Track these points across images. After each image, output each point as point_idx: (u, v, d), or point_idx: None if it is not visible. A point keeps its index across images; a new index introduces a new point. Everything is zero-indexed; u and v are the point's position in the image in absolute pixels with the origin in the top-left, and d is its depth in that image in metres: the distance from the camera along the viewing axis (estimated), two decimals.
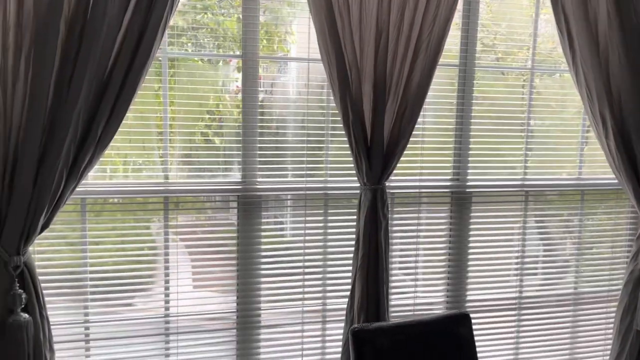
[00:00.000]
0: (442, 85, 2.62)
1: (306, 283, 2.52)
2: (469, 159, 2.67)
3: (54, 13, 1.87)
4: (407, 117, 2.29)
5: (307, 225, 2.50)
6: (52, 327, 2.09)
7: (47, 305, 2.07)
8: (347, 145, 2.32)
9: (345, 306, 2.44)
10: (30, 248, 2.00)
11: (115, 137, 2.04)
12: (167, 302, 2.37)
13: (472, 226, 2.72)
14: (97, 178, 2.29)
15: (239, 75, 2.38)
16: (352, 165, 2.35)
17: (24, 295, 1.96)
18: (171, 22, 2.08)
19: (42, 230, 1.99)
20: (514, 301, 2.83)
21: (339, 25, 2.18)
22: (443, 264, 2.71)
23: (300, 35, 2.45)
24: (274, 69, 2.49)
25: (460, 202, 2.68)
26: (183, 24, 2.31)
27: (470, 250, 2.73)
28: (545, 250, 2.90)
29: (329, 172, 2.51)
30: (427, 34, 2.26)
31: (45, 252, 2.23)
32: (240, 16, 2.33)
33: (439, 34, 2.27)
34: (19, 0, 1.86)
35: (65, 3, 1.89)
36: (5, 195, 1.91)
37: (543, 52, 2.76)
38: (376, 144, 2.28)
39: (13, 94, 1.89)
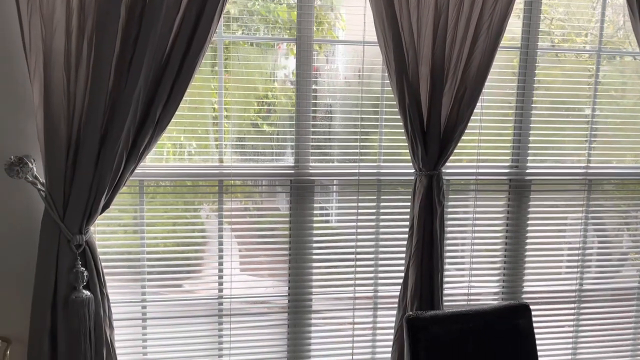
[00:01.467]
0: (501, 69, 2.52)
1: (358, 269, 2.50)
2: (529, 145, 2.57)
3: None
4: (466, 101, 2.21)
5: (360, 210, 2.47)
6: (111, 304, 2.15)
7: (107, 284, 2.13)
8: (401, 130, 2.28)
9: (397, 294, 2.41)
10: (92, 228, 2.06)
11: (171, 120, 2.06)
12: (220, 284, 2.40)
13: (530, 215, 2.62)
14: (154, 161, 2.33)
15: (289, 62, 2.36)
16: (406, 150, 2.30)
17: (85, 273, 2.02)
18: (224, 9, 2.08)
19: (103, 210, 2.05)
20: (573, 294, 2.72)
21: (396, 6, 2.12)
22: (499, 253, 2.63)
23: (349, 20, 2.40)
24: (323, 54, 2.45)
25: (518, 190, 2.58)
26: (235, 12, 2.30)
27: (528, 240, 2.63)
28: (607, 242, 2.77)
29: (382, 157, 2.47)
30: (488, 14, 2.17)
31: (105, 232, 2.29)
32: (291, 2, 2.30)
33: (501, 14, 2.18)
34: None
35: None
36: (69, 175, 1.97)
37: (604, 37, 2.60)
38: (433, 129, 2.21)
39: (76, 77, 1.94)
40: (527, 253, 2.64)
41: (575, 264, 2.71)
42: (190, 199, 2.38)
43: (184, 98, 2.06)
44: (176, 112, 2.06)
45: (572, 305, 2.73)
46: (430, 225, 2.25)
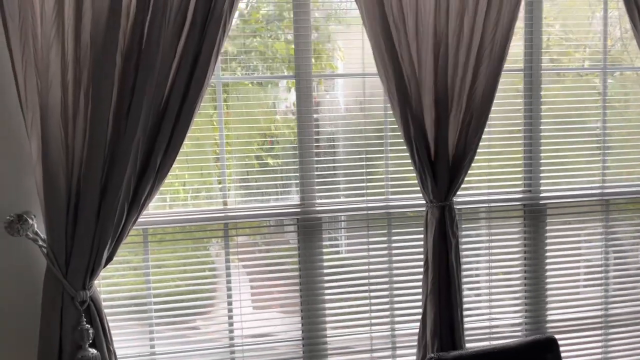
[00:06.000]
0: (506, 92, 2.47)
1: (373, 307, 2.40)
2: (541, 168, 2.49)
3: (110, 45, 1.88)
4: (473, 129, 2.16)
5: (370, 246, 2.39)
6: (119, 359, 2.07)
7: (114, 338, 2.06)
8: (408, 161, 2.22)
9: (415, 331, 2.31)
10: (95, 281, 2.00)
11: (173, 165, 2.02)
12: (231, 332, 2.32)
13: (548, 240, 2.53)
14: (157, 208, 2.28)
15: (289, 96, 2.33)
16: (415, 181, 2.24)
17: (91, 331, 1.95)
18: (222, 50, 2.06)
19: (106, 263, 1.99)
20: (599, 320, 2.60)
21: (394, 38, 2.09)
22: (519, 282, 2.53)
23: (347, 51, 2.37)
24: (323, 87, 2.41)
25: (533, 215, 2.50)
26: (233, 49, 2.29)
27: (548, 267, 2.53)
28: (631, 263, 2.66)
29: (390, 189, 2.40)
30: (489, 40, 2.13)
31: (110, 285, 2.23)
32: (289, 37, 2.28)
33: (503, 39, 2.14)
34: (76, 36, 1.87)
35: (120, 34, 1.89)
36: (70, 230, 1.92)
37: (600, 50, 2.55)
38: (441, 158, 2.15)
39: (74, 130, 1.90)
40: (548, 280, 2.54)
41: (599, 288, 2.60)
42: (195, 244, 2.31)
43: (185, 141, 2.02)
44: (178, 156, 2.02)
45: (599, 332, 2.61)
46: (445, 259, 2.16)
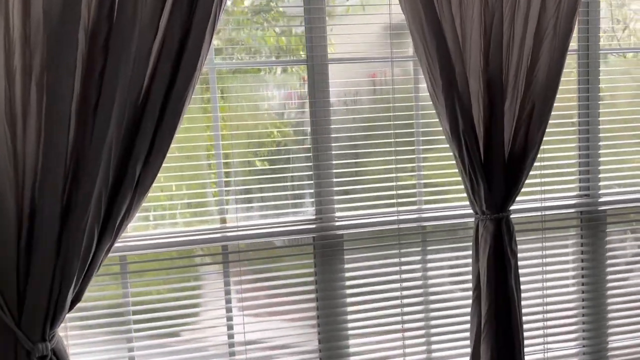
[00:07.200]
0: None
1: (407, 342, 1.99)
2: (600, 168, 2.10)
3: (69, 20, 1.43)
4: (536, 121, 1.75)
5: (403, 268, 1.97)
6: None
7: None
8: (445, 162, 1.86)
9: None
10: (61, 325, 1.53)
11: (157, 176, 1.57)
12: None
13: (609, 253, 2.14)
14: (138, 229, 1.82)
15: (301, 86, 1.91)
16: (453, 187, 1.88)
17: None
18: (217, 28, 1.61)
19: (72, 306, 1.53)
20: None
21: (436, 5, 1.67)
22: (575, 304, 2.13)
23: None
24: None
25: (592, 224, 2.10)
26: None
27: (609, 284, 2.14)
28: None
29: (423, 198, 1.99)
30: (554, 8, 1.71)
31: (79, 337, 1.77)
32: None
33: (570, 6, 1.73)
34: (25, 8, 1.42)
35: (83, 6, 1.43)
36: (23, 265, 1.46)
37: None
38: (495, 159, 1.74)
39: (24, 132, 1.45)
40: (609, 301, 2.15)
41: None
42: (186, 273, 1.86)
43: (172, 145, 1.57)
44: (164, 164, 1.57)
45: None
46: (504, 285, 1.75)
